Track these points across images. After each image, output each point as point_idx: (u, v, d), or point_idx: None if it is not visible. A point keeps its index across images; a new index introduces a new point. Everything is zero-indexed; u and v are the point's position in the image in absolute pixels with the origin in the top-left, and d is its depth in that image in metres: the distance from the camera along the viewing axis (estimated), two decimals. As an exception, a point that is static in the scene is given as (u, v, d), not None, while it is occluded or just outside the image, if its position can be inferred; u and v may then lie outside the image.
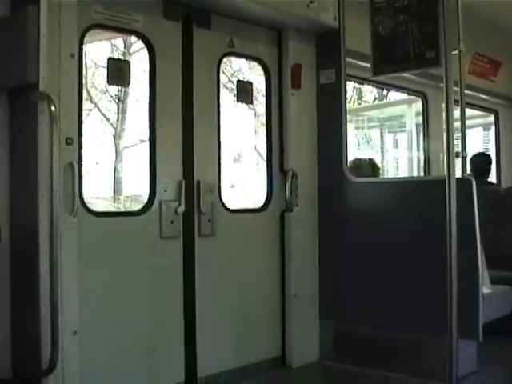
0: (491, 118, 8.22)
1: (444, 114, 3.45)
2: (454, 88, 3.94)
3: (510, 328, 5.07)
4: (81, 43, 3.62)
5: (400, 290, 4.41)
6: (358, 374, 4.52)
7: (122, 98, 8.79)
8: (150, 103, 4.03)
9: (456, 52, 4.05)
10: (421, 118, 6.91)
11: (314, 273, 4.81)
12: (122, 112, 8.83)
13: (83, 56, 3.64)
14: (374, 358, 4.56)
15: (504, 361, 4.75)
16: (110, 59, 3.82)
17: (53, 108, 3.12)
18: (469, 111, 4.62)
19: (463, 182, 4.04)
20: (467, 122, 4.03)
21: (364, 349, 4.65)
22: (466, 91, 4.52)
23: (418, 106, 6.98)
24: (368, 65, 4.63)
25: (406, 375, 4.37)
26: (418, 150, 6.91)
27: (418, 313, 4.29)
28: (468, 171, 5.12)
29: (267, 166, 4.75)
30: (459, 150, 4.14)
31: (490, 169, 6.79)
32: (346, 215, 4.73)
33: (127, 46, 7.54)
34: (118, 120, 8.94)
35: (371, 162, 5.82)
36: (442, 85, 3.82)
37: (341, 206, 4.76)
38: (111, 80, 3.89)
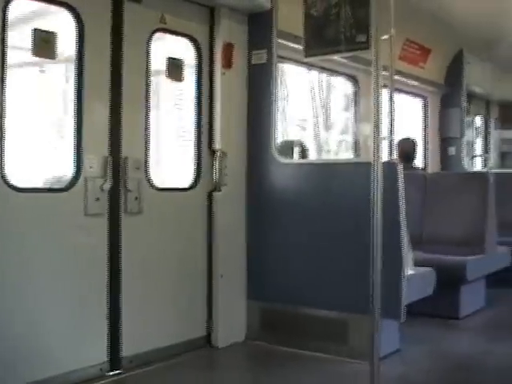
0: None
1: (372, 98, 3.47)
2: (384, 73, 3.98)
3: (432, 308, 5.22)
4: (4, 13, 3.49)
5: (326, 270, 4.48)
6: (284, 354, 4.56)
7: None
8: (76, 78, 3.92)
9: (386, 37, 4.08)
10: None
11: (241, 253, 4.82)
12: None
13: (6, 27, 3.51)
14: (300, 338, 4.61)
15: (425, 340, 4.89)
16: (36, 30, 3.68)
17: None
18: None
19: (390, 166, 4.10)
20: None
21: (290, 329, 4.69)
22: (395, 76, 4.58)
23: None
24: (300, 47, 4.63)
25: (331, 355, 4.44)
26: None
27: (343, 292, 4.37)
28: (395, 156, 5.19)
29: (196, 145, 4.70)
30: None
31: (415, 154, 6.92)
32: (274, 196, 4.75)
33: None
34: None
35: (300, 144, 5.85)
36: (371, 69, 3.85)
37: (269, 187, 4.78)
38: (36, 52, 3.75)
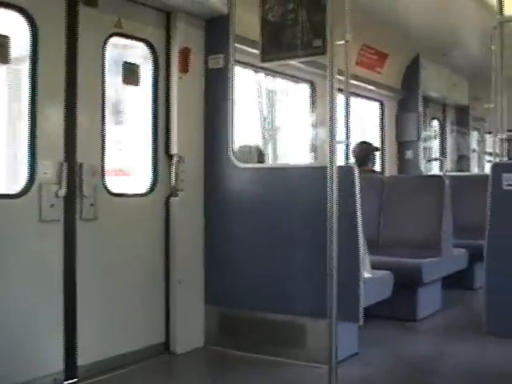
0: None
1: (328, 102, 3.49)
2: (340, 77, 4.01)
3: (389, 311, 5.27)
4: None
5: (284, 274, 4.48)
6: (243, 359, 4.55)
7: None
8: (30, 82, 3.86)
9: (342, 42, 4.13)
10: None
11: (199, 258, 4.80)
12: None
13: None
14: (260, 342, 4.60)
15: (384, 343, 4.93)
16: (-14, 34, 3.62)
17: None
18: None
19: (346, 169, 4.14)
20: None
21: (249, 334, 4.69)
22: (352, 81, 4.62)
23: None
24: (257, 51, 4.64)
25: (290, 359, 4.44)
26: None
27: (302, 296, 4.38)
28: (352, 159, 5.24)
29: (153, 149, 4.66)
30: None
31: (373, 157, 6.97)
32: (232, 201, 4.74)
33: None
34: None
35: (258, 149, 5.85)
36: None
37: (227, 192, 4.77)
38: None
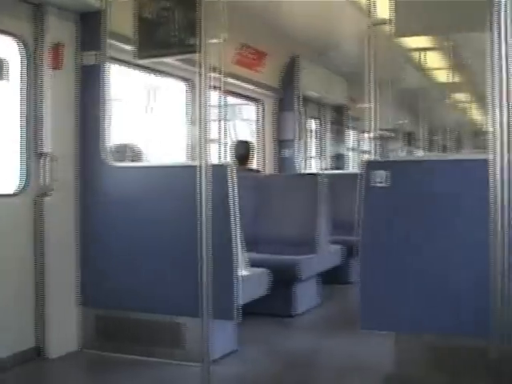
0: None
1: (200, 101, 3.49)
2: (216, 75, 4.02)
3: (268, 307, 5.34)
4: None
5: (159, 274, 4.45)
6: (120, 361, 4.49)
7: None
8: None
9: (215, 40, 4.14)
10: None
11: (72, 259, 4.68)
12: None
13: None
14: (137, 344, 4.55)
15: (262, 339, 5.01)
16: None
17: None
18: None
19: (220, 168, 4.14)
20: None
21: (126, 335, 4.62)
22: (230, 80, 4.62)
23: None
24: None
25: (168, 359, 4.42)
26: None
27: (177, 296, 4.36)
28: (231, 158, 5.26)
29: (24, 148, 4.49)
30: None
31: (250, 155, 7.02)
32: (106, 200, 4.66)
33: None
34: None
35: (133, 147, 5.77)
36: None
37: (101, 191, 4.67)
38: None
